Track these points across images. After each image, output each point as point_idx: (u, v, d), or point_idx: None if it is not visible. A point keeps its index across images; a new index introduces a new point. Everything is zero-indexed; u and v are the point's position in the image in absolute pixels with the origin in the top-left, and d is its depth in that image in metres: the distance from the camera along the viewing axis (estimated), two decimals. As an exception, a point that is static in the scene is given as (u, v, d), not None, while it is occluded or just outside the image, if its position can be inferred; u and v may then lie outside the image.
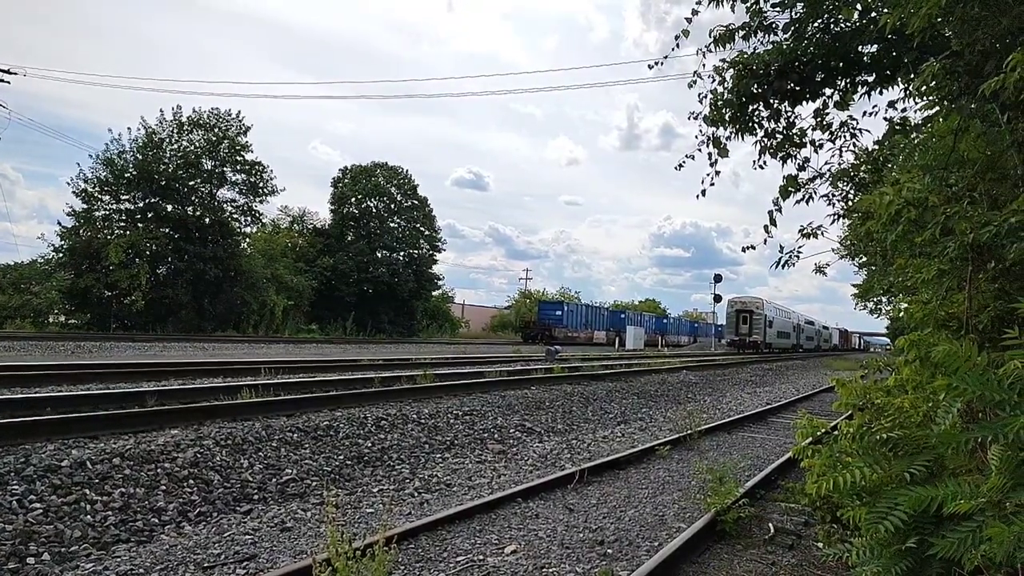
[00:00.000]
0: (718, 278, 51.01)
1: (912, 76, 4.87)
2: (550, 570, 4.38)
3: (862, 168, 6.95)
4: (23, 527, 4.54)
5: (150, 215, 35.61)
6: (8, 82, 29.18)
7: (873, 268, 21.90)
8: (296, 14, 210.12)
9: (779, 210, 6.31)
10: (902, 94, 6.18)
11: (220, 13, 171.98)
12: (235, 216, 40.05)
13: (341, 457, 7.23)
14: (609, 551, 4.83)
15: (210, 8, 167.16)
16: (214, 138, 37.81)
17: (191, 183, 37.01)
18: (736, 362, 30.65)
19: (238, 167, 39.12)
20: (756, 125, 6.55)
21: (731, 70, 6.23)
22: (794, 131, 6.69)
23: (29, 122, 65.59)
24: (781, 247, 6.30)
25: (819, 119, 6.56)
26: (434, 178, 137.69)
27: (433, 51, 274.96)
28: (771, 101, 6.33)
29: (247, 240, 42.22)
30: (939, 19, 3.92)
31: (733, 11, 6.26)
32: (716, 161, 6.75)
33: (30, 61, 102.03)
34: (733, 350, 47.51)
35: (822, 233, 6.31)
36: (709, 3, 6.19)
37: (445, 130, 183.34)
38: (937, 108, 4.85)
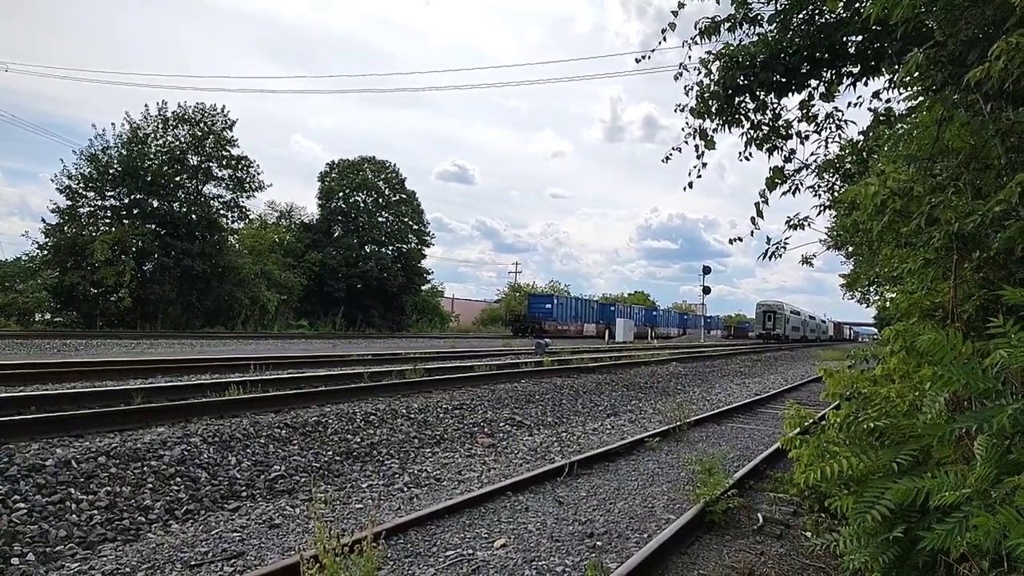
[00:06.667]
0: (707, 270, 51.14)
1: (896, 67, 4.88)
2: (540, 563, 4.38)
3: (848, 159, 6.97)
4: (7, 527, 4.49)
5: (136, 211, 35.36)
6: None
7: (860, 258, 22.02)
8: (274, 6, 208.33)
9: (766, 202, 6.32)
10: (886, 84, 6.21)
11: (196, 6, 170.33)
12: (222, 212, 39.83)
13: (330, 453, 7.20)
14: (599, 543, 4.84)
15: (186, 1, 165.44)
16: (199, 133, 37.59)
17: (177, 179, 36.77)
18: (726, 353, 30.78)
19: (224, 162, 38.93)
20: (742, 117, 6.55)
21: (717, 62, 6.22)
22: (780, 123, 6.69)
23: (12, 118, 64.68)
24: (768, 239, 6.32)
25: (805, 110, 6.56)
26: (419, 172, 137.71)
27: (414, 45, 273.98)
28: (757, 93, 6.32)
29: (235, 236, 42.02)
30: (922, 9, 3.92)
31: (718, 2, 6.26)
32: (703, 153, 6.75)
33: (4, 56, 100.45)
34: (760, 341, 58.70)
35: (809, 224, 6.33)
36: (694, -5, 6.19)
37: (428, 124, 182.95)
38: (921, 98, 4.86)
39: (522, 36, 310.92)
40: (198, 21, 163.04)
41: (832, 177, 7.31)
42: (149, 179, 35.17)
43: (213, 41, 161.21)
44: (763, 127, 6.70)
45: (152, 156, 35.96)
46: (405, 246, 52.98)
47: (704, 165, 6.83)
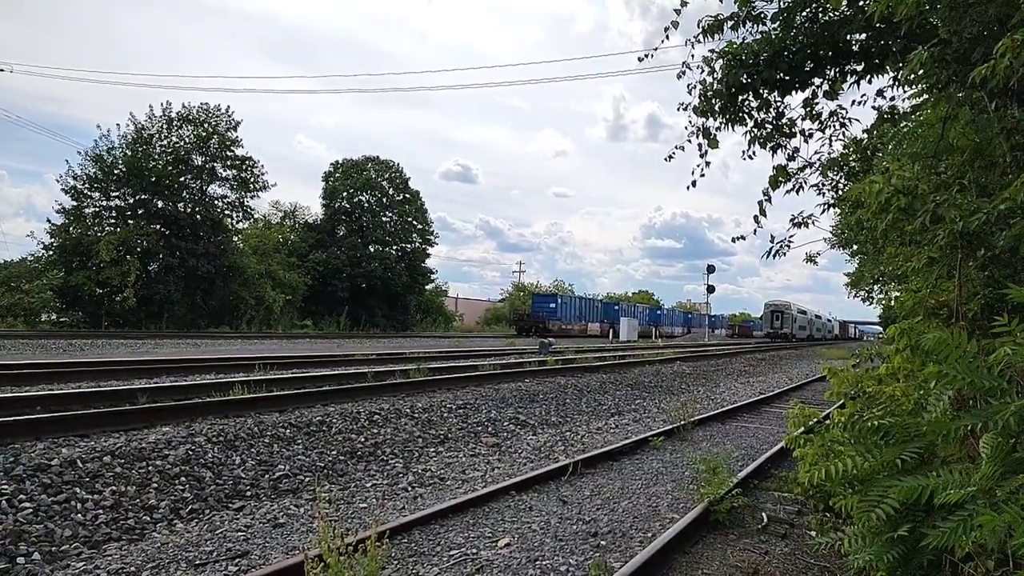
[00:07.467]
0: (711, 269, 50.96)
1: (900, 64, 4.87)
2: (544, 563, 4.38)
3: (852, 157, 6.95)
4: (13, 527, 4.50)
5: (140, 212, 35.44)
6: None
7: (864, 257, 21.96)
8: (274, 6, 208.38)
9: (769, 200, 6.31)
10: (891, 82, 6.18)
11: (196, 5, 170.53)
12: (226, 212, 39.93)
13: (334, 452, 7.21)
14: (603, 543, 4.84)
15: (186, 1, 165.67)
16: (204, 133, 37.64)
17: (181, 179, 36.86)
18: (730, 352, 30.74)
19: (228, 162, 39.00)
20: (746, 115, 6.53)
21: (720, 60, 6.20)
22: (783, 121, 6.67)
23: (17, 119, 64.87)
24: (772, 237, 6.30)
25: (808, 108, 6.54)
26: (422, 171, 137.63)
27: (415, 44, 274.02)
28: (760, 91, 6.31)
29: (239, 236, 42.12)
30: (927, 7, 3.91)
31: (721, 1, 6.26)
32: (706, 152, 6.73)
33: (7, 57, 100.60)
34: (767, 340, 61.54)
35: (813, 222, 6.31)
36: (697, -8, 6.17)
37: (431, 123, 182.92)
38: (926, 96, 4.85)
39: (523, 35, 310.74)
40: (198, 21, 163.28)
41: (836, 175, 7.28)
42: (154, 179, 35.25)
43: (213, 41, 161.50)
44: (766, 125, 6.68)
45: (157, 156, 36.04)
46: (409, 246, 53.00)
47: (707, 164, 6.81)
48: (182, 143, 37.17)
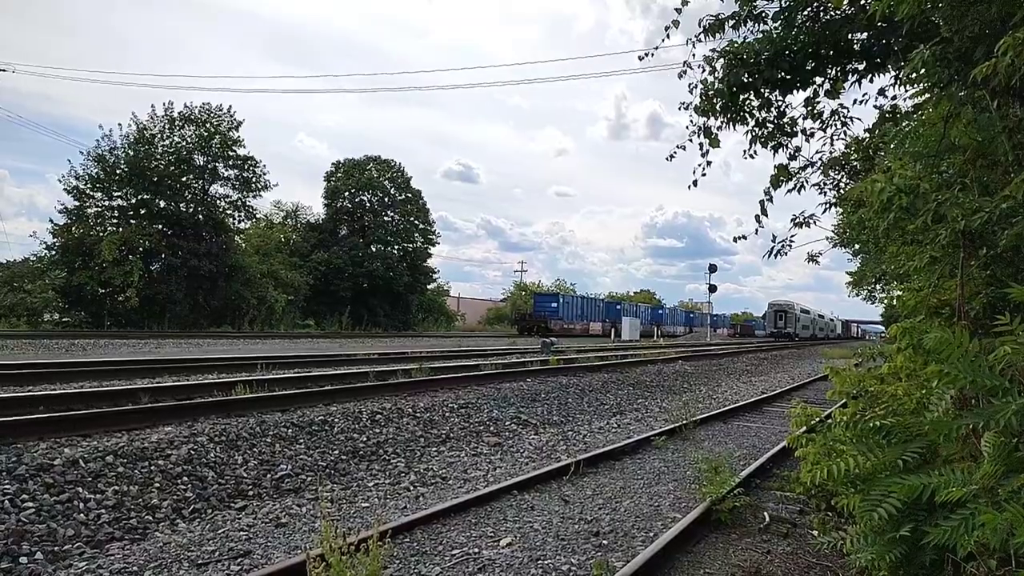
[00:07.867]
0: (713, 268, 50.96)
1: (902, 63, 4.86)
2: (545, 562, 4.38)
3: (853, 156, 6.94)
4: (16, 526, 4.51)
5: (143, 211, 35.54)
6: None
7: (866, 256, 21.93)
8: (274, 5, 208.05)
9: (770, 199, 6.30)
10: (892, 81, 6.17)
11: (197, 5, 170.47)
12: (228, 212, 40.02)
13: (336, 452, 7.21)
14: (604, 542, 4.84)
15: (187, 1, 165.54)
16: (206, 133, 37.72)
17: (183, 179, 36.94)
18: (732, 352, 30.71)
19: (230, 162, 39.09)
20: (747, 115, 6.53)
21: (721, 60, 6.20)
22: (785, 120, 6.67)
23: (19, 119, 65.04)
24: (774, 236, 6.29)
25: (810, 108, 6.54)
26: (423, 171, 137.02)
27: (416, 43, 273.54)
28: (762, 90, 6.30)
29: (241, 236, 42.21)
30: (928, 5, 3.90)
31: (722, 0, 6.25)
32: (707, 151, 6.72)
33: (9, 57, 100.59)
34: (770, 339, 62.55)
35: (815, 222, 6.31)
36: (698, -9, 6.17)
37: (432, 122, 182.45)
38: (927, 95, 4.84)
39: (524, 34, 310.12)
40: (199, 21, 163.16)
41: (837, 174, 7.28)
42: (156, 179, 35.33)
43: (214, 41, 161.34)
44: (768, 124, 6.68)
45: (159, 156, 36.14)
46: (411, 245, 53.04)
47: (709, 163, 6.80)
48: (184, 143, 37.26)
